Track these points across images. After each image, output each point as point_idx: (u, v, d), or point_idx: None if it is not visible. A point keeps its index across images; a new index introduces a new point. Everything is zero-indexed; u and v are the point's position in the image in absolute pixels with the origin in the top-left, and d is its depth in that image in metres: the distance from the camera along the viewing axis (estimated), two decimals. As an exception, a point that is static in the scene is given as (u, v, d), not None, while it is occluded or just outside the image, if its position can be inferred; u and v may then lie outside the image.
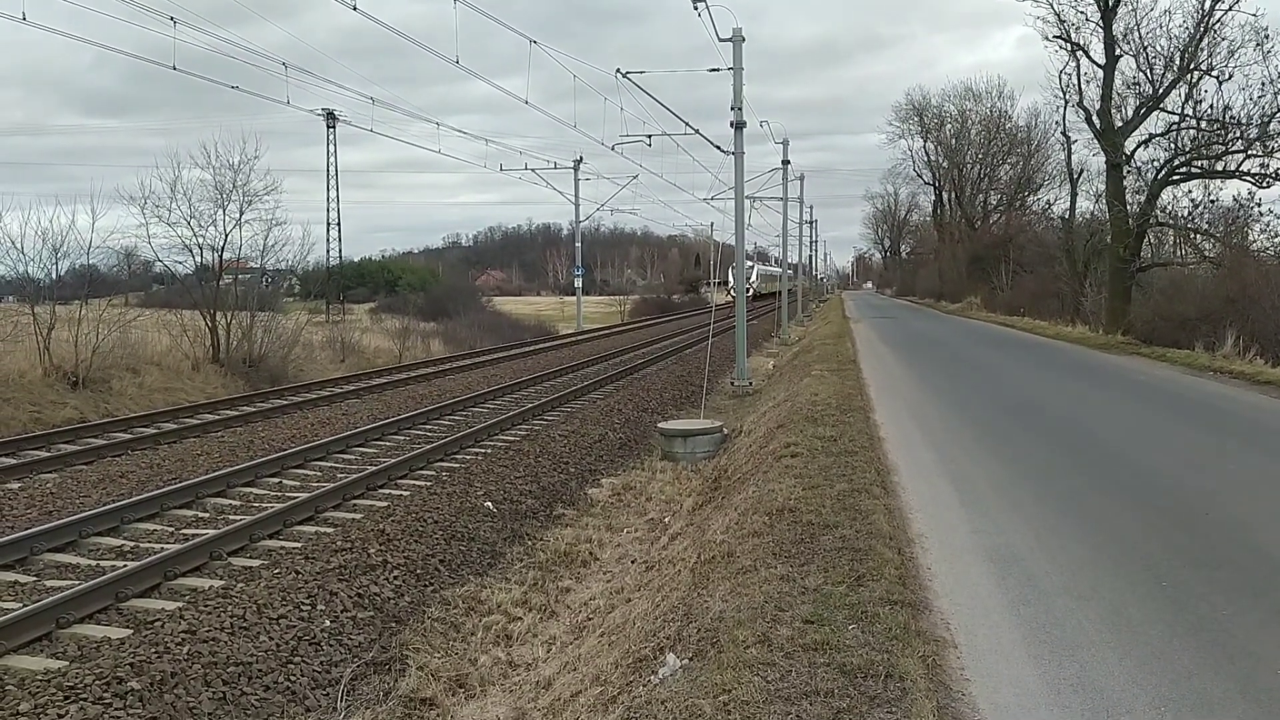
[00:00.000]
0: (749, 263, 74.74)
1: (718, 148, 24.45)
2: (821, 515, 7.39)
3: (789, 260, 58.67)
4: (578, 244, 56.02)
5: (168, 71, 17.94)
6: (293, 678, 6.89)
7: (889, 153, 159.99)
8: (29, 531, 9.23)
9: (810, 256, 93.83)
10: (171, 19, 17.19)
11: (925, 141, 77.58)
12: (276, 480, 12.17)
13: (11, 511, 10.39)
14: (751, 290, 67.70)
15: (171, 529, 9.93)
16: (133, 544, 9.38)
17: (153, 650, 6.63)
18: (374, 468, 12.54)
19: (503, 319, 50.99)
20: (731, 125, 22.48)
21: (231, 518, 10.31)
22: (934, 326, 42.44)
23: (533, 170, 45.79)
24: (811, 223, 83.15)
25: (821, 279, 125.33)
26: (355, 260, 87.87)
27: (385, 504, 11.01)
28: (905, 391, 17.51)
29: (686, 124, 24.98)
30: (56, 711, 5.81)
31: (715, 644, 5.13)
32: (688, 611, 6.13)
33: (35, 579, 8.32)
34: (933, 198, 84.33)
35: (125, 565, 8.45)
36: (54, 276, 22.27)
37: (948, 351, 27.57)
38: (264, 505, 10.81)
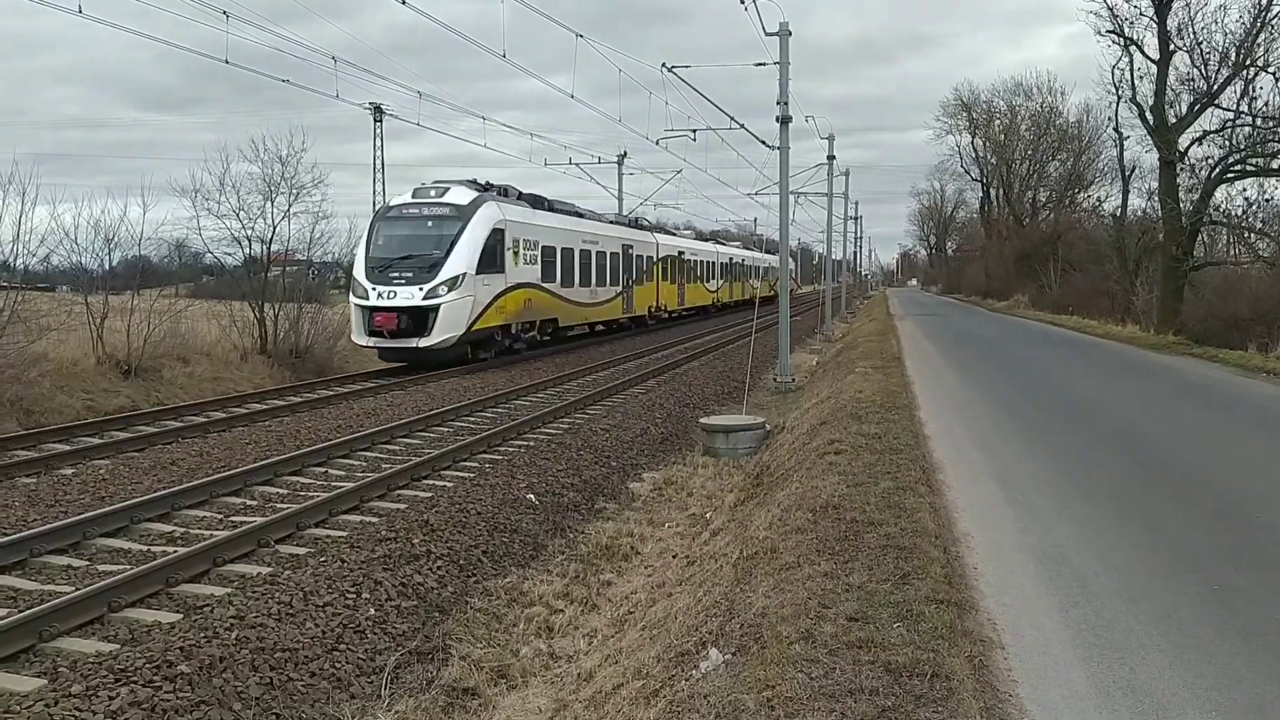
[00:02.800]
0: (616, 223, 36.30)
1: (763, 142, 24.35)
2: (866, 512, 7.35)
3: (832, 256, 57.95)
4: (621, 239, 55.87)
5: (222, 69, 18.40)
6: (338, 664, 6.97)
7: (935, 149, 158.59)
8: (82, 516, 9.41)
9: (854, 253, 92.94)
10: (224, 13, 17.42)
11: (973, 137, 76.95)
12: (322, 469, 12.31)
13: (65, 496, 10.59)
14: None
15: (220, 516, 10.07)
16: (183, 530, 9.53)
17: (202, 635, 6.73)
18: (418, 459, 12.64)
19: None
20: (777, 120, 22.35)
21: (279, 506, 10.44)
22: (980, 324, 41.99)
23: (577, 165, 45.69)
24: (856, 218, 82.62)
25: (866, 276, 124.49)
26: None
27: (429, 494, 11.10)
28: (951, 389, 17.34)
29: (731, 118, 24.91)
30: (108, 694, 5.91)
31: (758, 639, 5.12)
32: (730, 607, 6.12)
33: (88, 563, 8.48)
34: (980, 194, 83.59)
35: (176, 551, 8.58)
36: (107, 267, 22.71)
37: (994, 349, 27.27)
38: (310, 494, 10.94)
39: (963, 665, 4.67)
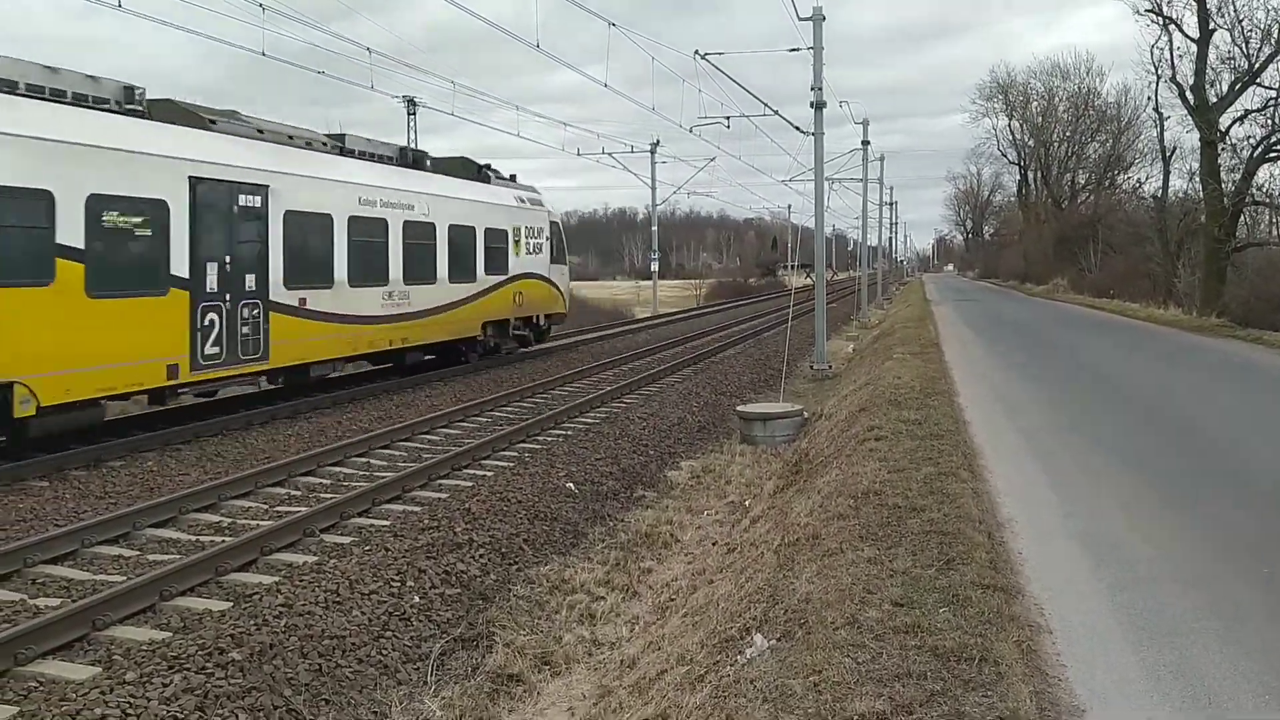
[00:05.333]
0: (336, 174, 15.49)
1: (797, 129, 24.24)
2: (908, 498, 7.32)
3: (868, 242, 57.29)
4: (654, 228, 55.95)
5: (264, 67, 18.30)
6: (384, 652, 7.05)
7: (971, 132, 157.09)
8: (132, 508, 9.58)
9: (890, 238, 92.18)
10: (260, 5, 17.54)
11: (1010, 120, 75.93)
12: (364, 460, 12.44)
13: (115, 489, 10.78)
14: None
15: (266, 506, 10.21)
16: (230, 520, 9.67)
17: (251, 622, 6.84)
18: (458, 448, 12.74)
19: (579, 303, 51.18)
20: (811, 106, 22.26)
21: (322, 496, 10.57)
22: (1019, 309, 41.56)
23: (610, 154, 45.60)
24: (891, 204, 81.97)
25: (902, 261, 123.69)
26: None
27: (470, 484, 11.18)
28: (990, 375, 17.20)
29: (765, 105, 24.79)
30: (161, 681, 6.01)
31: (803, 625, 5.12)
32: (773, 593, 6.12)
33: (138, 553, 8.63)
34: (1017, 177, 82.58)
35: (224, 540, 8.72)
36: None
37: (1034, 334, 27.00)
38: (353, 484, 11.06)
39: (1011, 650, 4.64)
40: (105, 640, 6.69)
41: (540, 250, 24.93)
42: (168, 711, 5.69)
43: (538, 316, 25.00)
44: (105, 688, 5.89)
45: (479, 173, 23.12)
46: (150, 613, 7.21)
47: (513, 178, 25.06)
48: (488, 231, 22.26)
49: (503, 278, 22.92)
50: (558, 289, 26.12)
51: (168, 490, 10.58)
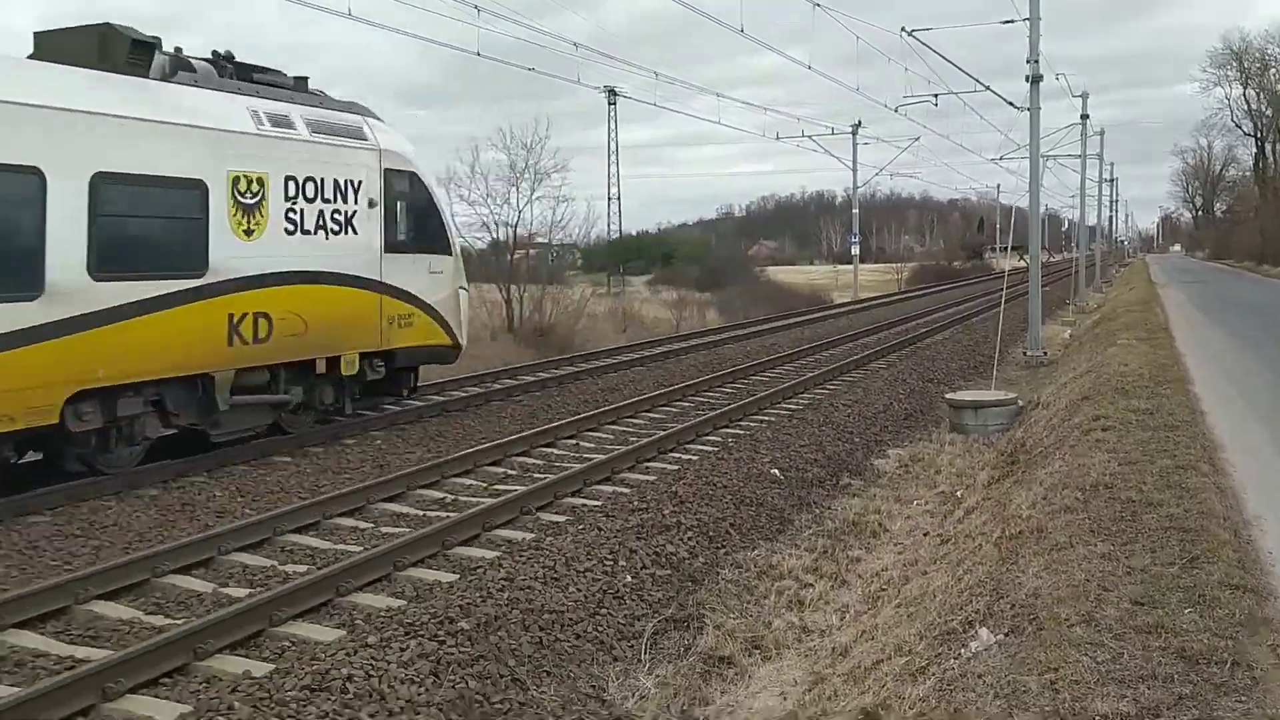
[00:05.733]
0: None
1: (1010, 104, 23.27)
2: (1143, 492, 6.93)
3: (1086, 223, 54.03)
4: (855, 210, 54.84)
5: (473, 65, 19.11)
6: (600, 628, 7.26)
7: (1202, 102, 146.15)
8: (365, 484, 10.24)
9: (1109, 217, 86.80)
10: (475, 8, 18.27)
11: (1245, 89, 70.22)
12: (573, 441, 12.82)
13: (349, 465, 11.55)
14: None
15: (485, 484, 10.69)
16: (452, 497, 10.18)
17: (477, 595, 7.18)
18: (663, 432, 12.93)
19: (775, 289, 50.93)
20: (1026, 79, 21.29)
21: (536, 475, 10.96)
22: (1256, 292, 38.40)
23: (810, 137, 45.02)
24: (1111, 181, 77.09)
25: (1122, 242, 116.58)
26: (634, 233, 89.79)
27: (676, 467, 11.34)
28: (1227, 362, 16.01)
29: (976, 80, 23.91)
30: (399, 645, 6.40)
31: (1033, 621, 4.94)
32: (996, 587, 5.93)
33: (373, 525, 9.23)
34: (1253, 150, 76.26)
35: (448, 516, 9.19)
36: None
37: (1274, 318, 24.90)
38: (564, 465, 11.42)
39: (1266, 654, 4.34)
40: (347, 606, 7.16)
41: (353, 225, 12.46)
42: (405, 674, 6.05)
43: (348, 360, 12.59)
44: (350, 649, 6.30)
45: (138, 53, 10.54)
46: (385, 581, 7.67)
47: (301, 81, 12.79)
48: (106, 179, 9.65)
49: (188, 284, 10.51)
50: (420, 305, 13.63)
51: (396, 467, 11.23)
